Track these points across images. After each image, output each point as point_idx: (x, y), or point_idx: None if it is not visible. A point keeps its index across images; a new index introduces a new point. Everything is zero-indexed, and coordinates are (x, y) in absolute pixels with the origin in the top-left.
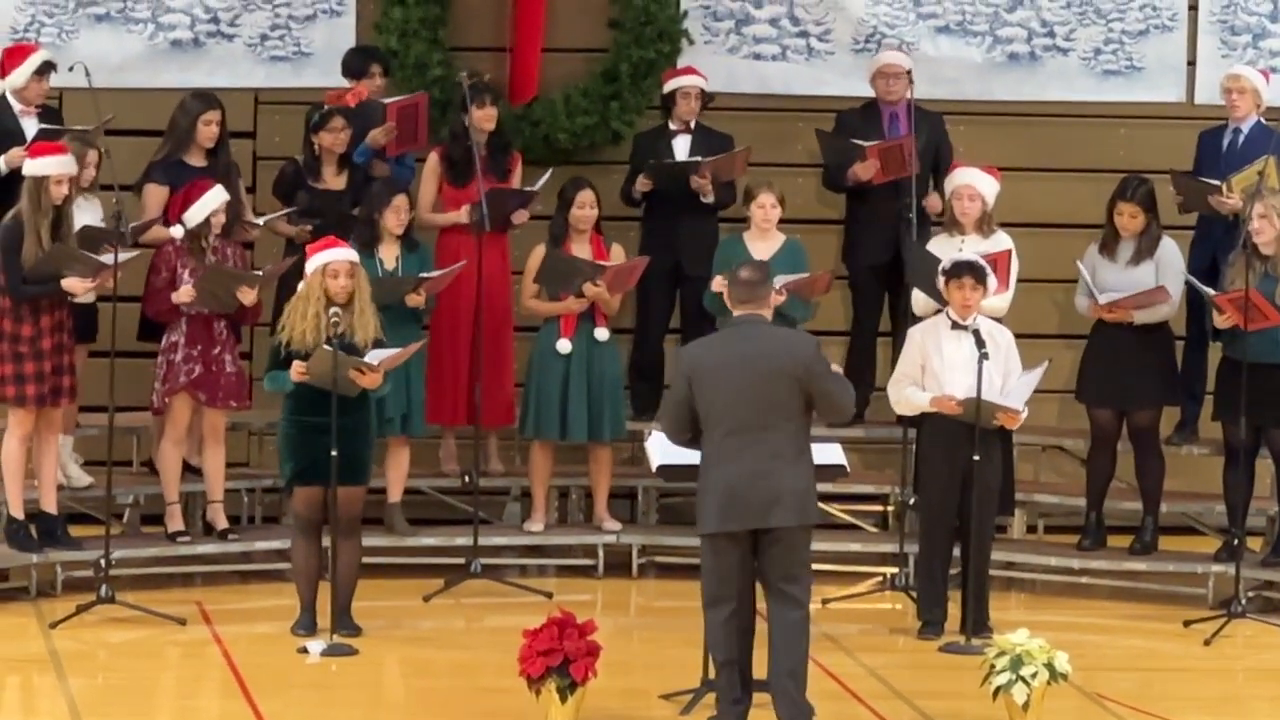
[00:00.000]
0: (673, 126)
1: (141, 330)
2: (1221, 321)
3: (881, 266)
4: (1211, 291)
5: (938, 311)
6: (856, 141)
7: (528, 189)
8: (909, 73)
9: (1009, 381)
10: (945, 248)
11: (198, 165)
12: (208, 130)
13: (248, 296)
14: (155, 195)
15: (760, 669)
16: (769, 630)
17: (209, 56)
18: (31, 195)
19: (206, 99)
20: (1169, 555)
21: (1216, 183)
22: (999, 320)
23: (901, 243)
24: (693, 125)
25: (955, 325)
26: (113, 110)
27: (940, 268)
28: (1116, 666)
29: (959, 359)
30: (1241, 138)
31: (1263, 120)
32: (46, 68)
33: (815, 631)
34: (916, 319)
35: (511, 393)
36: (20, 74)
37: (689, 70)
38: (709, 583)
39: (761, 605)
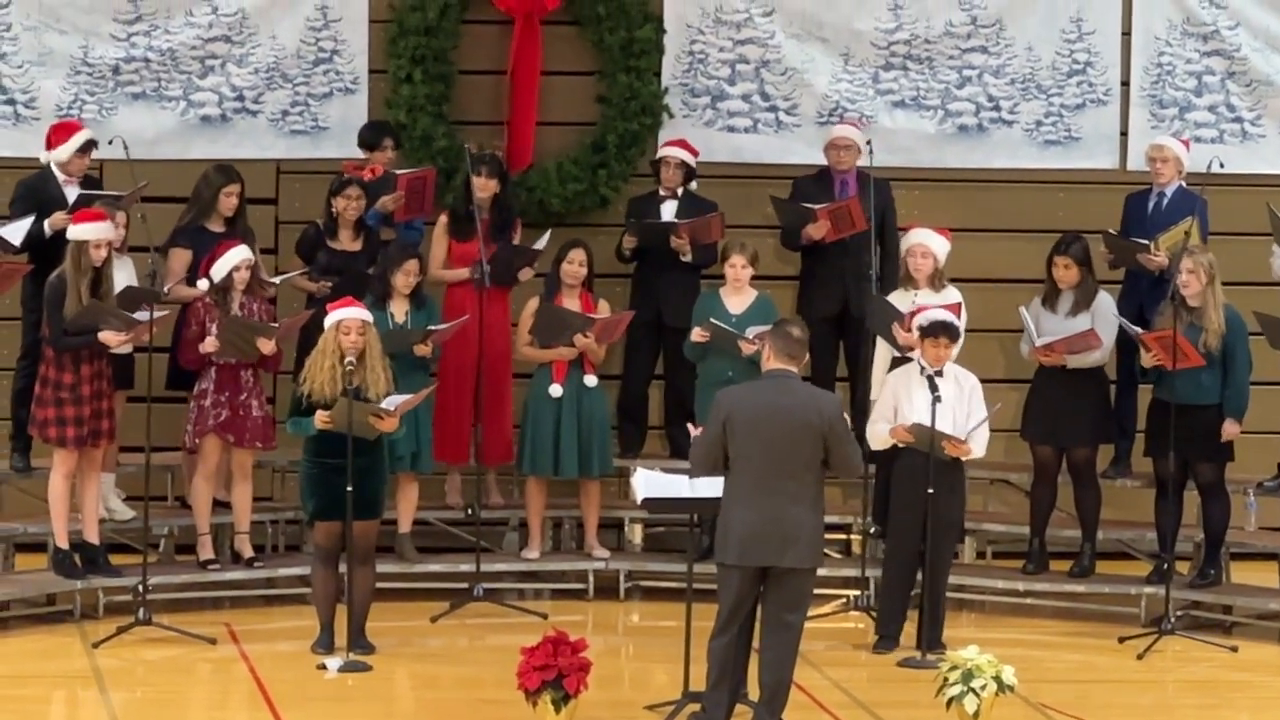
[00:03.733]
0: (661, 192)
1: (170, 379)
2: (1148, 360)
3: (833, 318)
4: (1139, 330)
5: (896, 358)
6: (808, 205)
7: (533, 247)
8: (867, 142)
9: (971, 421)
10: (900, 301)
11: (218, 231)
12: (228, 201)
13: (266, 346)
14: (179, 258)
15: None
16: (762, 650)
17: (235, 130)
18: (74, 257)
19: (228, 173)
20: (1105, 578)
21: (1145, 242)
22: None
23: (850, 295)
24: (679, 192)
25: (923, 372)
26: (147, 179)
27: (917, 324)
28: (1058, 679)
29: (924, 404)
30: (1165, 201)
31: (1184, 185)
32: (89, 145)
33: None
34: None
35: (510, 434)
36: (65, 150)
37: (678, 142)
38: (722, 608)
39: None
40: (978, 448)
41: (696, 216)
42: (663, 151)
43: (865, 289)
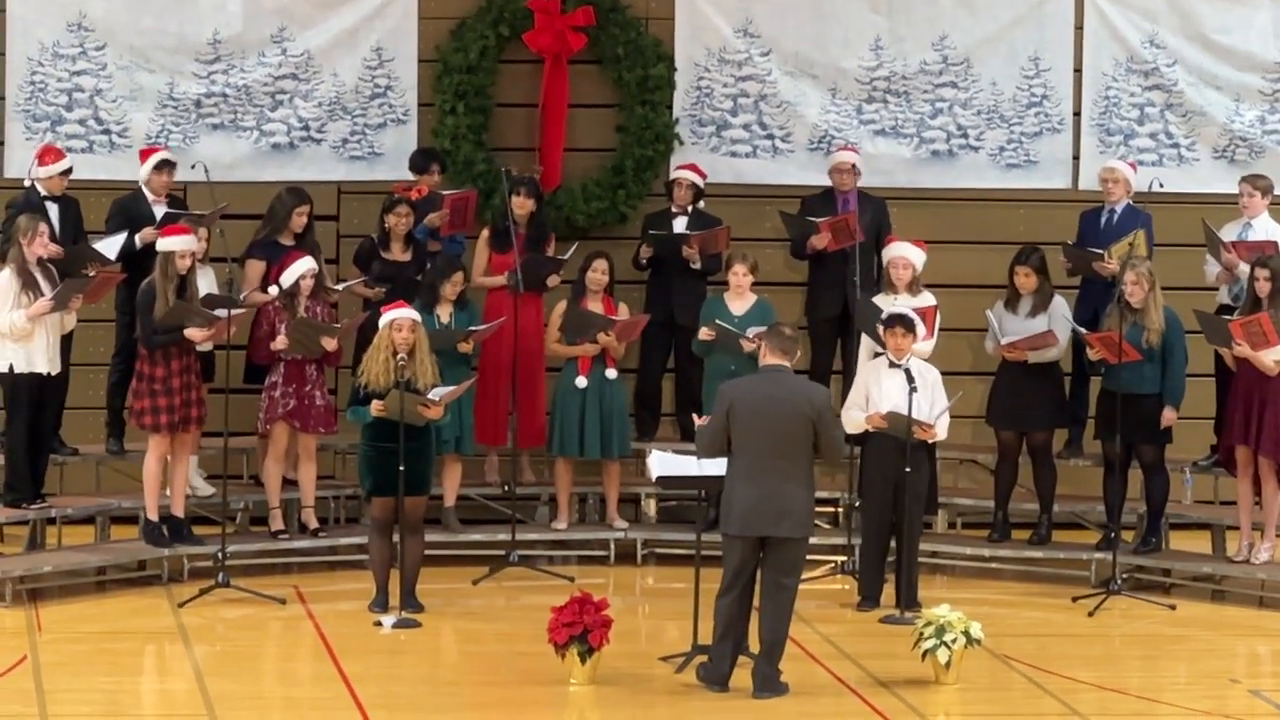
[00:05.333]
0: (673, 209)
1: (247, 373)
2: (1093, 355)
3: (834, 318)
4: (1084, 330)
5: (878, 354)
6: (811, 219)
7: (559, 258)
8: (854, 167)
9: (934, 409)
10: (884, 304)
11: (288, 244)
12: (299, 219)
13: (329, 344)
14: (254, 269)
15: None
16: (761, 609)
17: (301, 157)
18: (162, 266)
19: (299, 195)
20: (1060, 545)
21: (1100, 252)
22: (925, 360)
23: (849, 299)
24: (689, 209)
25: (891, 365)
26: (226, 199)
27: (879, 318)
28: (1019, 633)
29: (893, 391)
30: (1115, 216)
31: (1131, 203)
32: (164, 164)
33: None
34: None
35: (542, 420)
36: (144, 169)
37: (688, 166)
38: (726, 572)
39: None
40: (941, 431)
41: (705, 230)
42: (675, 174)
43: (854, 294)
